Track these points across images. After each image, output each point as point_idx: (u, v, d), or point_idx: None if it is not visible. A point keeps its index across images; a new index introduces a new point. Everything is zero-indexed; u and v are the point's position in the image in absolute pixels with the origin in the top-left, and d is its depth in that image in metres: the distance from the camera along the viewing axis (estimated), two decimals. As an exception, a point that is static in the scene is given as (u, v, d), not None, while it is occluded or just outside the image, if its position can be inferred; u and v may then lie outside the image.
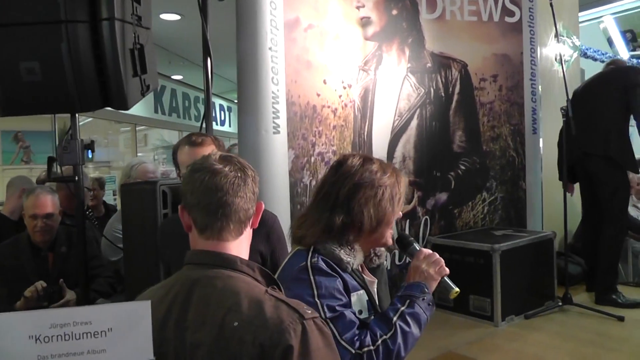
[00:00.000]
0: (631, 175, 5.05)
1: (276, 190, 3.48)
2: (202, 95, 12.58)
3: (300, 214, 1.94)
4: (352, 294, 1.68)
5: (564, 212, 4.56)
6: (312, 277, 1.63)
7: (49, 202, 3.34)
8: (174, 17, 8.22)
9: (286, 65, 3.56)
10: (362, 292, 1.72)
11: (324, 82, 3.89)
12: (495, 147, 5.05)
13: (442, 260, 1.77)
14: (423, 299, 1.68)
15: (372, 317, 1.70)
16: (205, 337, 1.26)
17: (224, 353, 1.22)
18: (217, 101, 12.93)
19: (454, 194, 4.78)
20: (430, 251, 1.79)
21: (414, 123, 4.55)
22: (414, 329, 1.64)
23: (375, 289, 1.85)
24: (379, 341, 1.59)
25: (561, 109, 4.51)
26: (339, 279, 1.65)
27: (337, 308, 1.59)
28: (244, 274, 1.34)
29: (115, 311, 1.54)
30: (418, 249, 1.84)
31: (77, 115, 2.78)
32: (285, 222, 3.51)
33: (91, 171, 8.93)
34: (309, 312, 1.25)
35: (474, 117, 4.95)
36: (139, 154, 11.19)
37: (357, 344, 1.57)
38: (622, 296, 4.49)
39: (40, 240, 3.35)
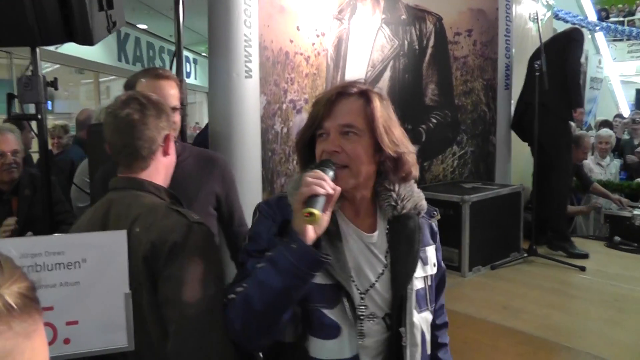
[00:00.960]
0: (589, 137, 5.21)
1: (248, 136, 3.42)
2: (167, 46, 12.37)
3: None
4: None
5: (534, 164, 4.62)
6: (254, 218, 1.49)
7: (13, 138, 3.24)
8: None
9: (259, 8, 3.47)
10: None
11: (297, 28, 3.82)
12: (468, 102, 5.06)
13: (316, 180, 1.29)
14: (284, 240, 1.32)
15: None
16: None
17: (131, 254, 1.45)
18: (183, 53, 12.75)
19: (424, 147, 4.78)
20: (319, 172, 1.33)
21: (387, 75, 4.52)
22: (271, 277, 1.29)
23: (372, 245, 1.49)
24: (239, 288, 1.35)
25: (535, 63, 4.51)
26: (272, 222, 1.42)
27: (250, 252, 1.41)
28: (151, 194, 1.62)
29: (90, 241, 1.49)
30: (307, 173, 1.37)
31: (37, 50, 2.66)
32: (256, 168, 3.50)
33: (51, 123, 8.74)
34: (196, 217, 1.53)
35: (447, 71, 4.94)
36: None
37: (230, 291, 1.39)
38: (572, 245, 4.65)
39: (7, 179, 3.23)
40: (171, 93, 2.18)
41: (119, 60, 10.39)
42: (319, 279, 1.35)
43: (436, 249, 1.63)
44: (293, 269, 1.27)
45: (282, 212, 1.42)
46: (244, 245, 1.46)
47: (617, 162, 6.47)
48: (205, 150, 2.64)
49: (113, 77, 11.62)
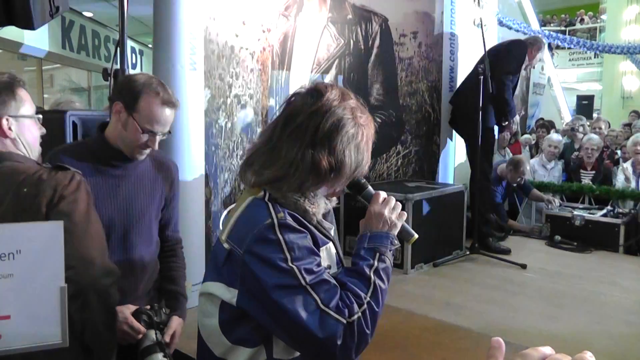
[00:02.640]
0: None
1: (191, 129, 3.38)
2: (113, 35, 12.13)
3: (252, 144, 1.58)
4: (321, 248, 1.45)
5: (471, 168, 4.72)
6: (281, 237, 1.35)
7: None
8: None
9: (205, 1, 3.44)
10: (329, 244, 1.51)
11: (243, 23, 3.79)
12: (412, 102, 5.12)
13: (400, 204, 1.56)
14: (391, 251, 1.48)
15: (340, 269, 1.52)
16: (8, 206, 1.61)
17: (21, 211, 1.58)
18: (128, 44, 12.47)
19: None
20: (386, 194, 1.55)
21: (332, 73, 4.53)
22: (386, 285, 1.44)
23: (336, 237, 1.63)
24: (365, 304, 1.36)
25: (479, 67, 4.60)
26: (308, 235, 1.41)
27: (315, 269, 1.35)
28: (21, 163, 1.71)
29: (25, 231, 1.43)
30: (373, 192, 1.58)
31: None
32: (199, 163, 3.46)
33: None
34: (72, 170, 1.70)
35: (392, 72, 4.99)
36: (45, 96, 10.61)
37: (346, 311, 1.33)
38: (495, 242, 4.81)
39: None
40: (170, 120, 2.16)
41: (63, 48, 10.11)
42: (332, 269, 1.50)
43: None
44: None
45: (303, 224, 1.43)
46: (295, 266, 1.33)
47: (560, 166, 6.65)
48: (161, 154, 2.60)
49: (57, 65, 11.29)
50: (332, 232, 1.58)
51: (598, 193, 5.98)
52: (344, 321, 1.30)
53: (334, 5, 4.52)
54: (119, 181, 2.17)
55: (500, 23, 8.61)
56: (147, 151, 2.12)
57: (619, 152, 7.27)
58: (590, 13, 19.67)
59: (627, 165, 5.93)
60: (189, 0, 3.32)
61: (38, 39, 9.13)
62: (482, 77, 4.52)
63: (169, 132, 2.18)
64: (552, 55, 16.58)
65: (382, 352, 2.93)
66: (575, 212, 5.33)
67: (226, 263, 1.40)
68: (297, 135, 1.43)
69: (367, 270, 1.42)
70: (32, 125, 1.80)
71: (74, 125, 2.90)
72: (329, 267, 1.46)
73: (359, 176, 1.55)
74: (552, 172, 6.49)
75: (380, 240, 1.47)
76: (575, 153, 6.69)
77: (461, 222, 4.70)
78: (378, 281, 1.41)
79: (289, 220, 1.38)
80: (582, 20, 19.63)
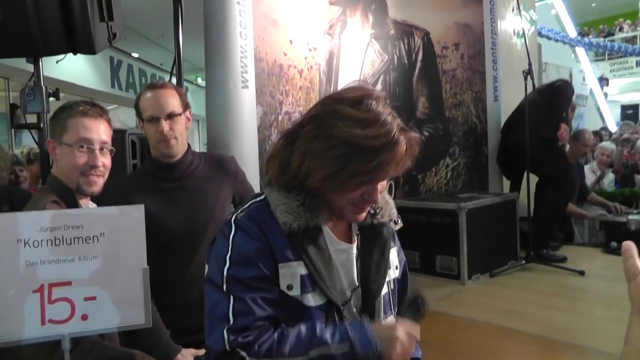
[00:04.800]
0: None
1: (245, 146, 3.45)
2: (159, 73, 12.48)
3: None
4: (280, 264, 1.29)
5: (526, 178, 4.66)
6: (231, 235, 1.30)
7: None
8: None
9: (253, 21, 3.53)
10: (296, 263, 1.30)
11: (290, 42, 3.88)
12: (458, 114, 5.12)
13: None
14: (354, 356, 1.23)
15: (309, 294, 1.31)
16: None
17: None
18: (173, 80, 12.85)
19: (418, 160, 4.81)
20: (416, 335, 1.31)
21: (378, 89, 4.55)
22: None
23: (352, 255, 1.43)
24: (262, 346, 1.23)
25: (523, 71, 4.59)
26: (264, 244, 1.29)
27: (245, 280, 1.26)
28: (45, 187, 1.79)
29: (109, 215, 1.50)
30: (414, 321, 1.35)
31: (40, 61, 2.70)
32: (254, 177, 3.51)
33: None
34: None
35: (437, 84, 5.01)
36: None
37: (239, 339, 1.22)
38: (550, 252, 4.75)
39: None
40: (169, 101, 2.23)
41: (112, 86, 10.47)
42: (317, 299, 1.31)
43: (397, 251, 1.57)
44: None
45: (269, 230, 1.31)
46: (226, 269, 1.28)
47: (611, 175, 6.56)
48: (212, 152, 2.70)
49: (106, 104, 11.69)
50: (345, 253, 1.41)
51: (652, 197, 5.89)
52: (226, 346, 1.21)
53: (376, 22, 4.58)
54: (179, 193, 2.25)
55: (540, 33, 8.58)
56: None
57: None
58: (629, 21, 19.37)
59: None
60: (239, 22, 3.41)
61: (89, 79, 9.47)
62: (526, 74, 4.54)
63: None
64: (593, 66, 16.36)
65: (447, 358, 2.91)
66: (630, 217, 5.22)
67: None
68: (290, 130, 1.38)
69: (316, 340, 1.24)
70: (69, 153, 1.82)
71: (133, 143, 3.02)
72: (290, 287, 1.29)
73: (424, 299, 1.38)
74: (604, 180, 6.39)
75: (364, 338, 1.24)
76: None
77: (515, 231, 4.65)
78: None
79: (246, 221, 1.31)
80: (621, 29, 19.33)
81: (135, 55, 11.74)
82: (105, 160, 1.88)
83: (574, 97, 5.21)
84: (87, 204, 1.88)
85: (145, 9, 8.08)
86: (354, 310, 1.40)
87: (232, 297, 1.25)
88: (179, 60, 3.26)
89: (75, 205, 1.79)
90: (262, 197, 1.38)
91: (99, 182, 1.86)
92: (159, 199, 2.20)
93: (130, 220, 1.50)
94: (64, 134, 1.82)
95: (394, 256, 1.53)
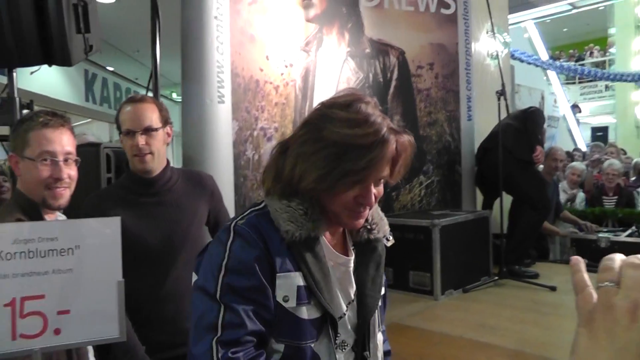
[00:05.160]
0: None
1: (220, 161, 3.48)
2: (134, 87, 12.41)
3: None
4: (278, 274, 1.27)
5: (499, 195, 4.73)
6: (229, 242, 1.26)
7: None
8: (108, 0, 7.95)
9: (230, 36, 3.57)
10: (295, 274, 1.28)
11: (267, 58, 3.92)
12: (432, 132, 5.19)
13: None
14: None
15: (304, 306, 1.29)
16: None
17: None
18: (143, 92, 12.75)
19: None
20: None
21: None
22: None
23: (350, 269, 1.43)
24: None
25: (496, 92, 4.68)
26: (263, 253, 1.26)
27: (239, 290, 1.23)
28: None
29: (84, 227, 1.48)
30: None
31: (14, 72, 2.69)
32: (229, 193, 3.53)
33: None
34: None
35: (411, 103, 5.07)
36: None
37: (229, 354, 1.18)
38: (522, 268, 4.83)
39: None
40: (146, 115, 2.23)
41: (86, 100, 10.39)
42: (312, 313, 1.30)
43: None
44: None
45: (269, 238, 1.29)
46: (221, 277, 1.24)
47: (582, 195, 6.68)
48: (190, 169, 2.71)
49: (79, 117, 11.58)
50: (343, 267, 1.41)
51: (622, 216, 6.00)
52: (214, 357, 1.18)
53: (352, 40, 4.64)
54: (157, 208, 2.25)
55: (513, 56, 8.75)
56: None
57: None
58: (598, 47, 19.83)
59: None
60: (216, 36, 3.44)
61: (62, 92, 9.39)
62: (499, 94, 4.63)
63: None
64: (564, 89, 16.71)
65: (420, 372, 2.93)
66: (600, 235, 5.32)
67: None
68: (285, 140, 1.41)
69: None
70: (32, 167, 1.75)
71: (107, 157, 3.00)
72: (286, 298, 1.27)
73: None
74: (575, 199, 6.52)
75: None
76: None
77: (487, 248, 4.71)
78: None
79: (246, 229, 1.28)
80: (591, 54, 19.78)
81: (111, 68, 11.68)
82: (70, 172, 1.82)
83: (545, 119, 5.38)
84: (54, 218, 1.83)
85: (121, 22, 8.08)
86: (348, 326, 1.39)
87: (223, 307, 1.21)
88: (156, 75, 3.27)
89: (41, 220, 1.74)
90: (262, 205, 1.36)
91: (65, 195, 1.80)
92: (137, 213, 2.19)
93: (106, 232, 1.49)
94: (26, 147, 1.75)
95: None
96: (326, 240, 1.38)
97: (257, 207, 1.37)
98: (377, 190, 1.32)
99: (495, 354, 3.11)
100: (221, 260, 1.24)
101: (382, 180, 1.33)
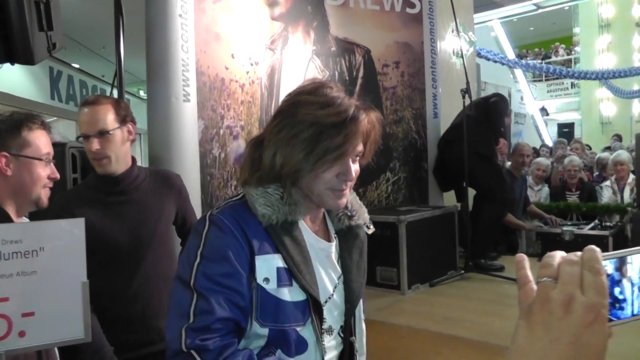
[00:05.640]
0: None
1: (186, 159, 3.48)
2: (100, 85, 12.24)
3: None
4: (256, 256, 1.29)
5: (455, 188, 4.81)
6: (204, 231, 1.30)
7: None
8: None
9: (195, 34, 3.57)
10: (274, 256, 1.31)
11: (232, 56, 3.93)
12: (399, 130, 5.25)
13: None
14: None
15: (286, 288, 1.32)
16: None
17: None
18: (115, 93, 12.46)
19: (359, 174, 4.89)
20: None
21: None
22: None
23: (332, 255, 1.47)
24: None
25: (461, 90, 4.74)
26: (238, 239, 1.29)
27: (215, 277, 1.25)
28: None
29: (48, 229, 1.49)
30: None
31: (-25, 71, 2.66)
32: (195, 192, 3.53)
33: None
34: None
35: (377, 101, 5.12)
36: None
37: (197, 342, 1.21)
38: (488, 262, 4.90)
39: None
40: (99, 117, 2.20)
41: (52, 98, 10.22)
42: (295, 295, 1.32)
43: None
44: None
45: (245, 223, 1.32)
46: (196, 264, 1.27)
47: (547, 188, 6.81)
48: (158, 168, 2.71)
49: (45, 115, 11.40)
50: (324, 251, 1.45)
51: (585, 210, 6.14)
52: (182, 346, 1.21)
53: (317, 39, 4.67)
54: (124, 207, 2.25)
55: (479, 54, 8.88)
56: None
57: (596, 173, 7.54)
58: (563, 45, 20.20)
59: (612, 180, 6.14)
60: (181, 35, 3.44)
61: (27, 90, 9.24)
62: (464, 92, 4.69)
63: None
64: (531, 87, 16.98)
65: (386, 365, 2.97)
66: (565, 228, 5.44)
67: None
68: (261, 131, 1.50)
69: None
70: (33, 167, 1.81)
71: (73, 157, 2.99)
72: (267, 279, 1.30)
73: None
74: (540, 194, 6.66)
75: None
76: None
77: (454, 242, 4.78)
78: None
79: (222, 218, 1.31)
80: (556, 52, 20.13)
81: (76, 66, 11.50)
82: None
83: (512, 113, 5.45)
84: (20, 221, 1.85)
85: (86, 19, 7.97)
86: (335, 312, 1.44)
87: (196, 294, 1.24)
88: (120, 73, 3.26)
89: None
90: (240, 195, 1.41)
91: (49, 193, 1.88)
92: (104, 212, 2.19)
93: (70, 233, 1.49)
94: (25, 147, 1.79)
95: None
96: (307, 226, 1.43)
97: (234, 198, 1.41)
98: (354, 168, 1.38)
99: (461, 346, 3.17)
100: (197, 248, 1.28)
101: (358, 157, 1.39)
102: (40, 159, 1.82)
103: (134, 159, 2.35)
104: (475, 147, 4.77)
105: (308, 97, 1.36)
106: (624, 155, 6.31)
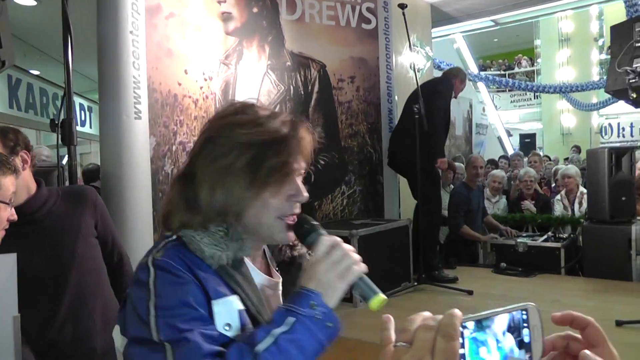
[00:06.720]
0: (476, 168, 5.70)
1: (138, 176, 3.50)
2: (61, 92, 12.07)
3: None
4: (213, 301, 1.13)
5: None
6: (150, 280, 1.12)
7: None
8: (30, 2, 7.74)
9: (147, 51, 3.61)
10: (232, 298, 1.16)
11: (185, 72, 3.96)
12: (354, 144, 5.32)
13: (354, 255, 1.20)
14: (314, 318, 1.09)
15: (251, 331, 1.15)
16: None
17: None
18: (77, 100, 12.14)
19: (313, 188, 4.94)
20: (339, 240, 1.20)
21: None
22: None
23: (279, 292, 1.36)
24: None
25: (414, 107, 4.79)
26: (193, 283, 1.13)
27: (180, 325, 1.07)
28: None
29: None
30: (319, 238, 1.21)
31: None
32: (147, 209, 3.55)
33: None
34: None
35: (333, 115, 5.20)
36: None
37: None
38: (441, 273, 4.94)
39: None
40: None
41: (10, 107, 10.02)
42: (232, 330, 1.16)
43: None
44: (321, 349, 1.11)
45: (195, 266, 1.15)
46: (153, 318, 1.09)
47: (504, 200, 6.95)
48: (70, 186, 2.67)
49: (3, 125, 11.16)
50: (276, 287, 1.35)
51: (540, 221, 6.30)
52: None
53: (272, 53, 4.74)
54: (37, 235, 2.18)
55: (438, 67, 9.04)
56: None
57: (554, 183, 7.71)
58: (526, 57, 20.60)
59: (562, 194, 6.31)
60: (132, 51, 3.47)
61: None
62: (417, 116, 4.71)
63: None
64: (494, 97, 17.28)
65: (331, 379, 3.00)
66: (519, 240, 5.57)
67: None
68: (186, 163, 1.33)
69: (259, 336, 1.07)
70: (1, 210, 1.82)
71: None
72: (228, 325, 1.13)
73: (306, 218, 1.27)
74: (497, 206, 6.80)
75: (299, 301, 1.12)
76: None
77: (407, 256, 4.85)
78: (268, 356, 1.05)
79: (168, 261, 1.13)
80: (520, 64, 20.52)
81: (36, 72, 11.31)
82: None
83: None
84: None
85: (44, 25, 7.87)
86: None
87: (169, 345, 1.06)
88: (70, 94, 3.23)
89: None
90: (173, 237, 1.21)
91: None
92: (18, 243, 2.04)
93: (1, 269, 1.50)
94: None
95: None
96: (250, 263, 1.28)
97: (169, 239, 1.21)
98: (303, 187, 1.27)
99: (406, 358, 3.22)
100: (145, 301, 1.10)
101: (303, 174, 1.27)
102: (6, 203, 1.83)
103: (39, 184, 2.27)
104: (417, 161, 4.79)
105: (236, 117, 1.23)
106: (571, 169, 6.49)
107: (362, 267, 1.17)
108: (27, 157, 2.26)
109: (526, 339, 0.69)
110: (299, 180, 1.24)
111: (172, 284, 1.11)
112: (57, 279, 2.18)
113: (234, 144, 1.19)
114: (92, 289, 2.25)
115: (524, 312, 0.70)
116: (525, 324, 0.69)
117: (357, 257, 1.18)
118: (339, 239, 1.19)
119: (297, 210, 1.25)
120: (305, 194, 1.24)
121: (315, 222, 1.24)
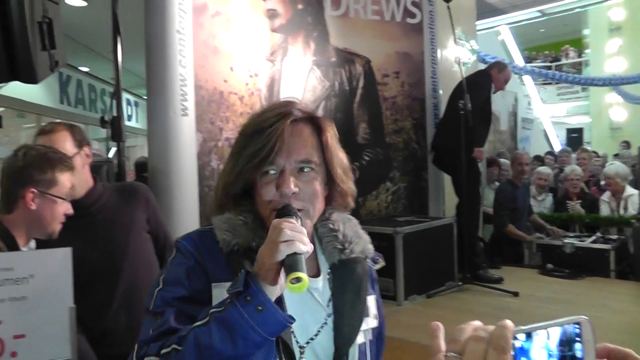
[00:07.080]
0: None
1: (185, 172, 3.55)
2: (108, 88, 12.35)
3: None
4: (213, 284, 1.18)
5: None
6: (170, 258, 1.25)
7: None
8: (80, 3, 8.00)
9: (194, 49, 3.65)
10: (229, 284, 1.11)
11: (231, 69, 3.99)
12: (398, 140, 5.28)
13: (288, 232, 1.06)
14: (247, 299, 1.03)
15: None
16: None
17: None
18: (124, 95, 12.48)
19: (358, 184, 4.88)
20: (285, 219, 1.11)
21: (319, 115, 4.68)
22: (219, 342, 1.02)
23: (317, 291, 1.30)
24: (165, 349, 1.07)
25: (459, 102, 4.73)
26: (196, 264, 1.20)
27: (169, 299, 1.17)
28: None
29: (37, 257, 1.59)
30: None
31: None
32: (194, 204, 3.59)
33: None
34: None
35: (377, 111, 5.16)
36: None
37: (142, 351, 1.12)
38: (486, 273, 4.86)
39: None
40: (58, 146, 2.21)
41: (61, 102, 10.30)
42: None
43: (376, 299, 1.42)
44: (252, 334, 1.01)
45: (207, 250, 1.22)
46: (157, 290, 1.20)
47: (550, 198, 6.80)
48: (123, 182, 2.76)
49: (57, 120, 11.49)
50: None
51: (587, 221, 6.13)
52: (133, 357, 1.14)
53: (317, 49, 4.72)
54: (92, 228, 2.28)
55: (483, 60, 8.88)
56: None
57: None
58: (573, 48, 20.08)
59: (609, 195, 6.10)
60: (179, 50, 3.50)
61: (36, 95, 9.34)
62: (462, 112, 4.65)
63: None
64: (540, 90, 16.92)
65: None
66: (566, 240, 5.43)
67: None
68: None
69: (202, 314, 1.07)
70: (56, 206, 1.94)
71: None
72: None
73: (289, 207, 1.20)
74: (543, 204, 6.64)
75: (235, 282, 1.06)
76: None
77: (452, 254, 4.79)
78: (198, 332, 1.04)
79: (185, 243, 1.24)
80: (567, 55, 20.03)
81: (85, 69, 11.60)
82: None
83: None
84: (26, 246, 1.95)
85: (93, 23, 8.06)
86: (321, 355, 1.25)
87: (153, 315, 1.16)
88: (119, 93, 3.29)
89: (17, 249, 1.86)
90: (209, 225, 1.29)
91: None
92: (73, 237, 2.18)
93: (57, 262, 1.59)
94: (53, 186, 1.92)
95: (373, 304, 1.37)
96: None
97: (203, 227, 1.33)
98: (301, 182, 1.23)
99: None
100: (160, 275, 1.22)
101: (305, 170, 1.24)
102: (63, 198, 1.94)
103: (95, 179, 2.40)
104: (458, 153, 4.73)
105: (256, 112, 1.33)
106: (611, 170, 6.18)
107: (297, 246, 1.04)
108: (89, 153, 2.39)
109: (578, 354, 0.66)
110: (287, 172, 1.21)
111: (179, 264, 1.22)
112: (111, 271, 2.27)
113: (239, 134, 1.30)
114: (145, 280, 2.32)
115: (576, 326, 0.67)
116: (578, 338, 0.67)
117: (291, 234, 1.06)
118: (288, 218, 1.12)
119: (286, 200, 1.20)
120: (289, 185, 1.20)
121: (293, 210, 1.18)
